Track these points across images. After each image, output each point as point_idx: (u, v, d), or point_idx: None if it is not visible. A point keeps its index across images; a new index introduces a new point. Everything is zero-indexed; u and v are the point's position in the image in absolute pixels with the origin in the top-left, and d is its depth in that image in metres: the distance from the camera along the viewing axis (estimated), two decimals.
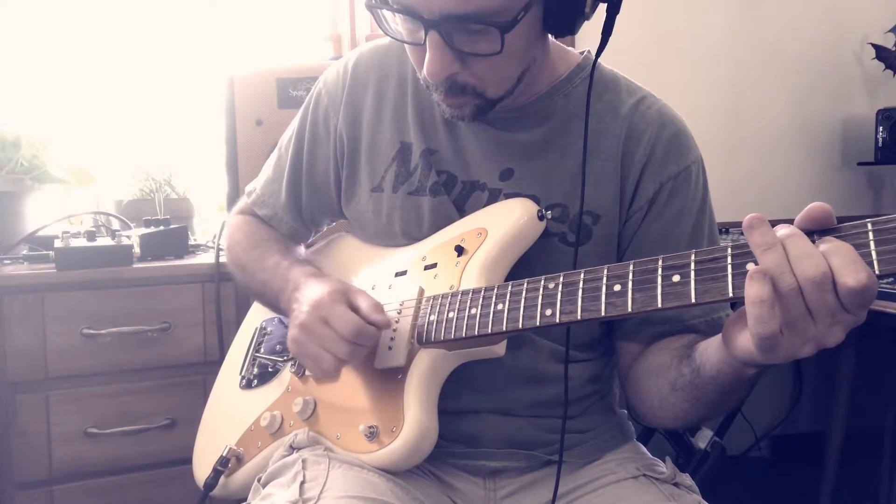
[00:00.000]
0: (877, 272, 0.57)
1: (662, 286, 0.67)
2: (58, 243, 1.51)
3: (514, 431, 0.96)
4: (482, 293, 0.83)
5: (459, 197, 0.97)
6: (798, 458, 2.51)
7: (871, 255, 0.57)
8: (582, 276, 0.74)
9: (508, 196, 0.95)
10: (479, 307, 0.82)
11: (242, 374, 1.13)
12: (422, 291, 0.92)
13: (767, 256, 0.59)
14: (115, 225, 1.85)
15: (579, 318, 0.72)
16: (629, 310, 0.69)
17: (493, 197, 0.96)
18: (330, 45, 2.22)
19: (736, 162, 2.45)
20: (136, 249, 1.61)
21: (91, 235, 1.57)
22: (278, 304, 1.01)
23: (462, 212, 0.97)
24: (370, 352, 0.90)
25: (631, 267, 0.70)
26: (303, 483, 0.85)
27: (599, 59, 1.00)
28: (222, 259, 1.37)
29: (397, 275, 0.98)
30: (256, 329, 1.17)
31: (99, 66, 2.09)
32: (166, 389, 1.57)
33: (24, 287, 1.46)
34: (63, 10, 2.05)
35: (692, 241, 0.94)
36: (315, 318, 0.86)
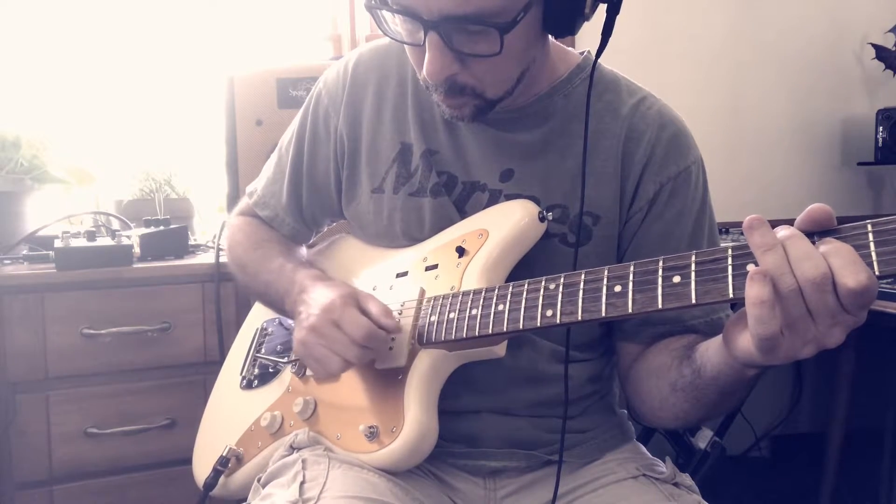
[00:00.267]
0: (877, 273, 0.57)
1: (663, 287, 0.67)
2: (58, 243, 1.51)
3: (514, 431, 0.96)
4: (483, 294, 0.83)
5: (460, 198, 0.97)
6: (798, 458, 2.52)
7: (871, 255, 0.57)
8: (583, 276, 0.74)
9: (509, 197, 0.95)
10: (480, 308, 0.82)
11: (243, 374, 1.13)
12: (423, 292, 0.92)
13: (768, 257, 0.59)
14: (115, 225, 1.85)
15: (580, 318, 0.72)
16: (630, 310, 0.69)
17: (494, 197, 0.96)
18: (330, 45, 2.22)
19: (736, 162, 2.45)
20: (136, 249, 1.61)
21: (91, 235, 1.57)
22: (283, 306, 1.01)
23: (463, 213, 0.97)
24: None
25: (631, 268, 0.70)
26: (303, 483, 0.85)
27: (600, 60, 1.00)
28: (222, 259, 1.37)
29: (398, 276, 0.98)
30: (257, 330, 1.17)
31: (99, 66, 2.09)
32: (166, 389, 1.57)
33: (24, 287, 1.46)
34: (63, 10, 2.05)
35: (692, 241, 0.94)
36: (326, 321, 0.86)
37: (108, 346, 1.51)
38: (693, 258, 0.66)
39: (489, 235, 0.91)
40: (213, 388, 1.19)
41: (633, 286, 0.69)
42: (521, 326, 0.78)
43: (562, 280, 0.76)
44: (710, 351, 0.77)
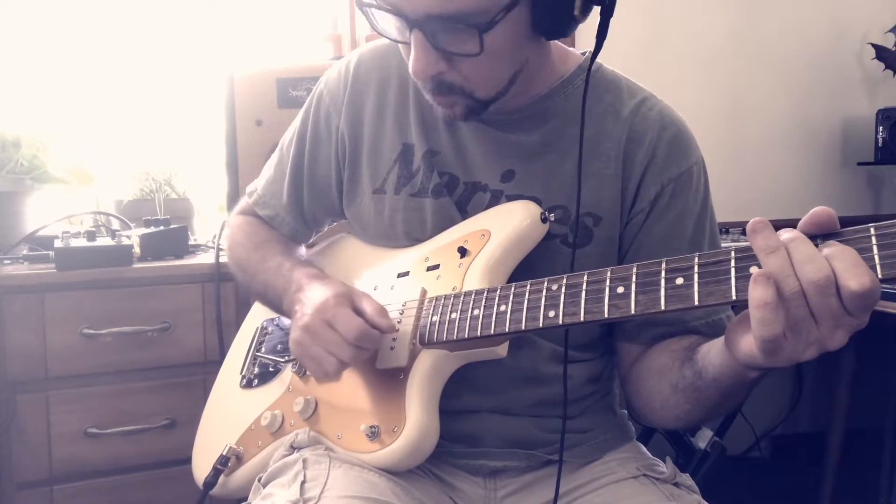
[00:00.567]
0: (880, 276, 0.57)
1: (666, 288, 0.67)
2: (58, 243, 1.51)
3: (514, 431, 0.96)
4: (485, 294, 0.83)
5: (462, 198, 0.97)
6: (798, 458, 2.52)
7: (874, 258, 0.57)
8: (585, 278, 0.74)
9: (510, 197, 0.95)
10: (482, 308, 0.82)
11: (243, 373, 1.13)
12: (424, 292, 0.92)
13: (771, 260, 0.59)
14: (115, 225, 1.85)
15: (582, 319, 0.72)
16: (632, 312, 0.69)
17: (495, 198, 0.96)
18: (330, 45, 2.21)
19: (736, 162, 2.45)
20: (136, 249, 1.61)
21: (91, 235, 1.57)
22: (280, 305, 1.01)
23: (464, 213, 0.97)
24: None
25: (634, 269, 0.70)
26: (303, 483, 0.85)
27: (601, 61, 1.00)
28: (222, 259, 1.37)
29: (399, 276, 0.98)
30: (257, 329, 1.17)
31: (99, 65, 2.09)
32: (166, 389, 1.57)
33: (24, 287, 1.46)
34: (63, 10, 2.05)
35: (693, 242, 0.94)
36: (319, 321, 0.86)
37: (108, 346, 1.51)
38: (696, 260, 0.66)
39: (491, 236, 0.91)
40: (213, 388, 1.19)
41: (636, 287, 0.69)
42: (522, 327, 0.78)
43: (564, 281, 0.76)
44: (712, 353, 0.77)
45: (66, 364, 1.49)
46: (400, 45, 0.87)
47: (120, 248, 1.54)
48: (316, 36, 2.20)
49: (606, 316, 0.71)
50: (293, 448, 0.95)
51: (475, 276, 0.89)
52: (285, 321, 1.12)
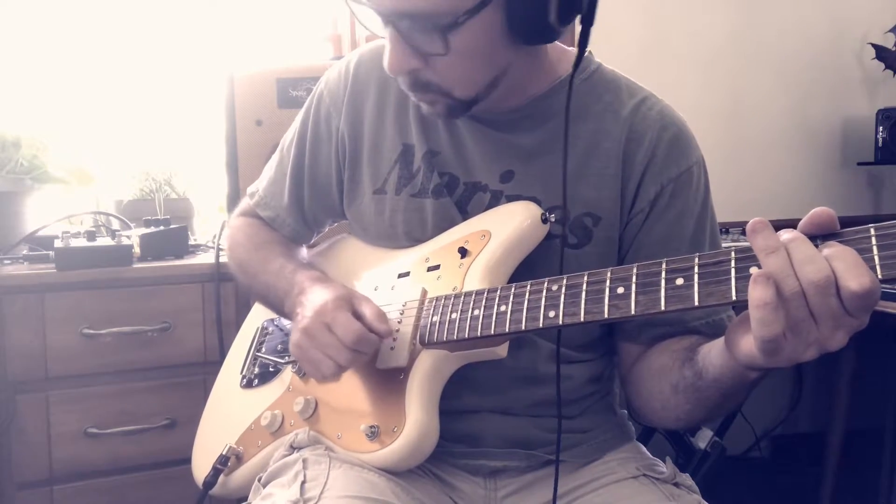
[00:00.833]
0: (880, 276, 0.57)
1: (666, 289, 0.67)
2: (58, 243, 1.51)
3: (514, 431, 0.96)
4: (485, 294, 0.83)
5: (462, 198, 0.97)
6: (798, 458, 2.52)
7: (874, 259, 0.57)
8: (585, 278, 0.74)
9: (510, 198, 0.95)
10: (482, 308, 0.82)
11: (243, 373, 1.13)
12: (424, 292, 0.92)
13: (771, 260, 0.59)
14: (115, 225, 1.85)
15: (582, 319, 0.72)
16: (632, 312, 0.69)
17: (495, 198, 0.96)
18: (330, 45, 2.21)
19: (736, 162, 2.45)
20: (136, 249, 1.61)
21: (91, 235, 1.57)
22: (283, 307, 1.01)
23: (465, 213, 0.97)
24: None
25: (634, 270, 0.70)
26: (303, 483, 0.85)
27: (600, 60, 1.00)
28: (222, 259, 1.37)
29: (400, 276, 0.98)
30: (258, 329, 1.17)
31: (99, 65, 2.09)
32: (166, 389, 1.57)
33: (24, 287, 1.46)
34: (63, 10, 2.05)
35: (693, 242, 0.94)
36: (318, 324, 0.86)
37: (108, 346, 1.51)
38: (696, 260, 0.66)
39: (492, 236, 0.91)
40: (213, 387, 1.20)
41: (636, 288, 0.69)
42: (523, 327, 0.78)
43: (564, 281, 0.76)
44: (713, 353, 0.77)
45: (66, 364, 1.49)
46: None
47: (120, 248, 1.54)
48: (316, 36, 2.20)
49: (606, 316, 0.71)
50: (293, 448, 0.95)
51: (475, 277, 0.89)
52: (286, 321, 1.12)
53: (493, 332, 0.80)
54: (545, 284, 0.77)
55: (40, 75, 2.00)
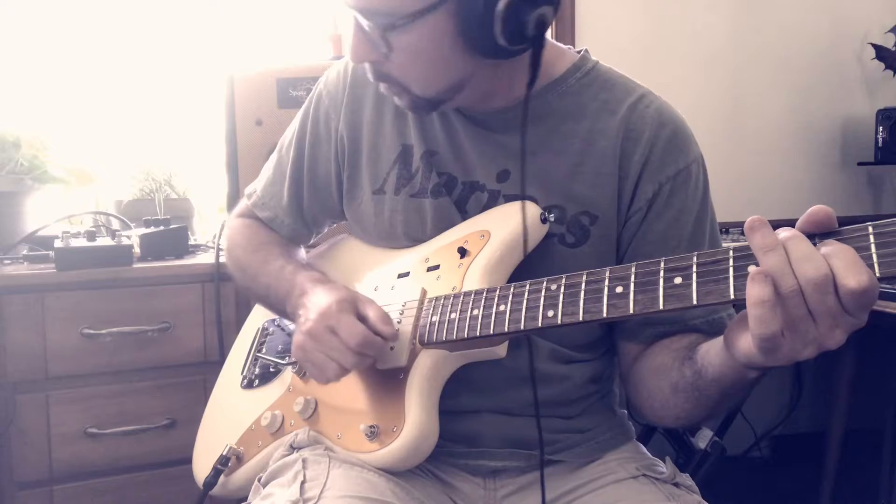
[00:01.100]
0: (878, 274, 0.57)
1: (664, 288, 0.67)
2: (58, 243, 1.51)
3: (514, 431, 0.96)
4: (484, 294, 0.83)
5: (460, 198, 0.97)
6: (798, 458, 2.51)
7: (871, 257, 0.57)
8: (584, 277, 0.74)
9: (507, 197, 0.95)
10: (482, 308, 0.82)
11: (244, 373, 1.13)
12: (424, 292, 0.92)
13: (768, 258, 0.59)
14: (115, 225, 1.85)
15: (581, 319, 0.72)
16: (631, 311, 0.69)
17: (493, 198, 0.96)
18: (330, 45, 2.21)
19: (736, 162, 2.45)
20: (136, 249, 1.61)
21: (91, 235, 1.58)
22: (284, 308, 1.01)
23: (464, 213, 0.97)
24: None
25: (633, 269, 0.70)
26: (303, 483, 0.85)
27: (597, 58, 1.00)
28: (222, 259, 1.37)
29: (400, 276, 0.98)
30: (258, 330, 1.17)
31: (99, 65, 2.09)
32: (166, 389, 1.57)
33: (24, 287, 1.46)
34: (63, 10, 2.05)
35: (693, 240, 0.94)
36: (322, 327, 0.86)
37: (108, 346, 1.51)
38: (694, 259, 0.66)
39: (491, 236, 0.91)
40: (214, 388, 1.20)
41: (635, 287, 0.69)
42: (522, 327, 0.78)
43: (563, 281, 0.76)
44: (712, 352, 0.76)
45: (66, 364, 1.49)
46: None
47: (120, 248, 1.54)
48: (316, 36, 2.20)
49: (605, 315, 0.71)
50: (293, 448, 0.95)
51: (475, 277, 0.89)
52: (287, 322, 1.12)
53: (492, 332, 0.80)
54: (544, 284, 0.77)
55: (40, 75, 2.00)
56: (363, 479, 0.86)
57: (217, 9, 2.16)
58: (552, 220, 0.93)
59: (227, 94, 1.64)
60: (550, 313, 0.75)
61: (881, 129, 2.35)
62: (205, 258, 1.66)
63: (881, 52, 2.42)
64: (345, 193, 1.06)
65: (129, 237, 1.63)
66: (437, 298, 0.89)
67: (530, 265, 0.91)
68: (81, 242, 1.54)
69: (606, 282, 0.72)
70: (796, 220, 0.62)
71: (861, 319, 0.59)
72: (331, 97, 1.05)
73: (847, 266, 0.56)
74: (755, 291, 0.59)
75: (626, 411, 1.07)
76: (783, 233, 0.60)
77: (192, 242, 1.81)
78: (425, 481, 0.94)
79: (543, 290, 0.77)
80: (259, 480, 0.92)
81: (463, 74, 0.87)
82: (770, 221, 0.60)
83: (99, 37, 2.09)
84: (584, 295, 0.73)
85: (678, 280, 0.66)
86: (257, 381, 1.10)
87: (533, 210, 0.91)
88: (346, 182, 1.05)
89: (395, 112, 1.01)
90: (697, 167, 0.95)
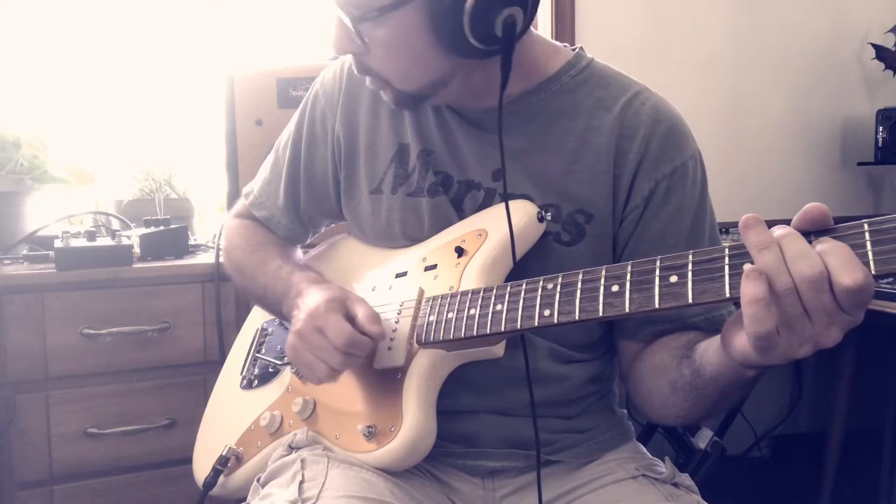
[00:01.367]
0: (873, 272, 0.56)
1: (660, 287, 0.67)
2: (58, 243, 1.51)
3: (512, 431, 0.96)
4: (481, 294, 0.83)
5: (457, 197, 0.97)
6: (798, 458, 2.51)
7: (867, 255, 0.57)
8: (580, 276, 0.74)
9: (503, 196, 0.94)
10: (478, 308, 0.82)
11: (243, 374, 1.13)
12: (421, 292, 0.92)
13: (763, 256, 0.59)
14: (115, 225, 1.86)
15: (577, 318, 0.72)
16: (627, 310, 0.69)
17: (489, 196, 0.96)
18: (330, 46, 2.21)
19: (735, 162, 2.45)
20: (136, 249, 1.61)
21: (91, 235, 1.58)
22: (281, 309, 1.01)
23: (460, 211, 0.97)
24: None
25: (629, 268, 0.70)
26: (302, 483, 0.85)
27: (595, 56, 1.00)
28: (222, 259, 1.37)
29: (398, 276, 0.98)
30: (258, 330, 1.18)
31: (98, 65, 2.09)
32: (166, 389, 1.57)
33: (24, 287, 1.46)
34: (63, 10, 2.05)
35: (691, 238, 0.93)
36: (311, 327, 0.86)
37: (108, 346, 1.51)
38: (690, 258, 0.66)
39: (488, 235, 0.91)
40: (214, 388, 1.20)
41: (631, 286, 0.69)
42: (518, 326, 0.77)
43: (559, 280, 0.76)
44: (710, 351, 0.76)
45: (66, 364, 1.49)
46: None
47: (120, 248, 1.54)
48: (316, 36, 2.20)
49: (601, 314, 0.71)
50: (292, 448, 0.95)
51: (472, 276, 0.89)
52: (286, 323, 1.12)
53: (489, 332, 0.80)
54: (540, 283, 0.77)
55: (40, 75, 2.01)
56: (361, 479, 0.86)
57: (217, 9, 2.16)
58: (549, 218, 0.93)
59: (227, 94, 1.64)
60: (547, 312, 0.75)
61: (881, 129, 2.35)
62: (205, 258, 1.67)
63: (881, 52, 2.42)
64: (342, 193, 1.06)
65: (129, 237, 1.63)
66: (434, 298, 0.89)
67: (527, 264, 0.91)
68: (81, 242, 1.54)
69: (602, 280, 0.71)
70: (793, 219, 0.62)
71: (857, 317, 0.59)
72: (327, 97, 1.06)
73: (842, 263, 0.56)
74: (750, 289, 0.58)
75: (625, 411, 1.07)
76: (778, 230, 0.60)
77: (192, 242, 1.81)
78: (424, 481, 0.94)
79: (540, 290, 0.77)
80: (258, 480, 0.93)
81: (441, 72, 0.87)
82: (770, 221, 0.60)
83: (99, 37, 2.09)
84: (581, 294, 0.73)
85: (674, 279, 0.66)
86: (256, 381, 1.10)
87: (530, 208, 0.91)
88: (343, 182, 1.05)
89: (391, 111, 1.01)
90: (695, 164, 0.94)
